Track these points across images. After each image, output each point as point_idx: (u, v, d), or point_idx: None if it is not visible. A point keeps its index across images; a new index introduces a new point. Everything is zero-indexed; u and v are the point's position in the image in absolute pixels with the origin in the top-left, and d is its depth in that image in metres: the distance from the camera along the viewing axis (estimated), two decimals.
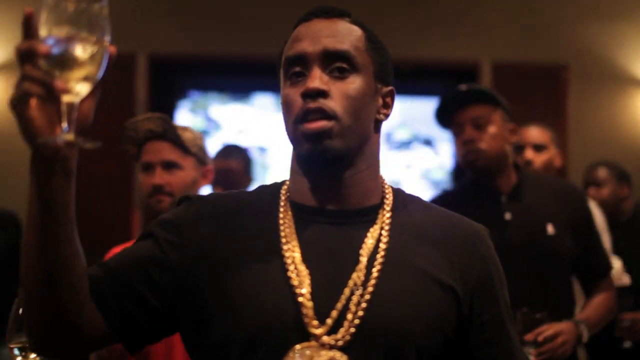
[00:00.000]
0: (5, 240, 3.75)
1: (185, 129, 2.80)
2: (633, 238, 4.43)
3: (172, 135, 2.73)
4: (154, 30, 6.00)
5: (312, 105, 1.51)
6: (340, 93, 1.53)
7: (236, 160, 4.18)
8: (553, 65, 6.25)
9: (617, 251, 4.01)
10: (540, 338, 2.70)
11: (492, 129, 3.00)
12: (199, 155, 2.78)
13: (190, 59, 6.15)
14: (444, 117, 3.13)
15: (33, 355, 1.89)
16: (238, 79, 6.52)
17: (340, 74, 1.54)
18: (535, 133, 4.32)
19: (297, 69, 1.55)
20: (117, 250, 2.68)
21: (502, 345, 1.59)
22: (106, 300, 1.50)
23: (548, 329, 2.74)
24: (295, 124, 1.53)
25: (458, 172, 5.97)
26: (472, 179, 3.13)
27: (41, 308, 1.43)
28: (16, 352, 1.89)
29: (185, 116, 6.46)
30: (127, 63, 5.84)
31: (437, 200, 3.36)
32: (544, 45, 6.27)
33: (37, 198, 1.36)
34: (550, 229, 2.99)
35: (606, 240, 3.89)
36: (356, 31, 1.59)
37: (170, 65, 6.19)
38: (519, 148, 4.20)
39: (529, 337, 2.69)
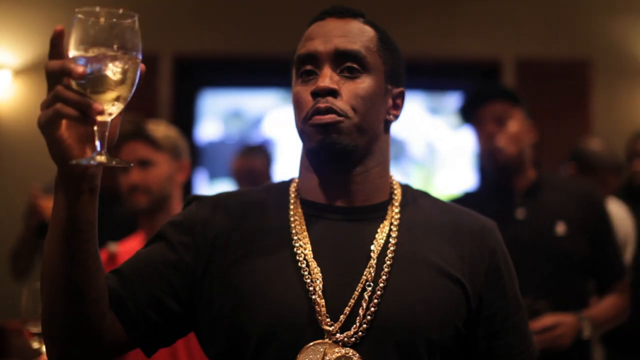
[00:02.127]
0: None
1: (158, 125, 2.85)
2: None
3: (143, 134, 2.79)
4: (177, 31, 6.01)
5: (322, 105, 1.53)
6: (349, 93, 1.55)
7: (259, 159, 4.21)
8: (577, 60, 6.20)
9: None
10: (536, 327, 2.73)
11: (512, 126, 3.04)
12: (173, 150, 2.82)
13: (212, 58, 6.16)
14: (466, 113, 3.17)
15: None
16: (259, 76, 6.50)
17: (350, 74, 1.56)
18: None
19: (308, 67, 1.57)
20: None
21: (509, 338, 1.61)
22: (126, 309, 1.52)
23: (547, 319, 2.79)
24: (305, 121, 1.55)
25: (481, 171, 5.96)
26: (490, 177, 3.16)
27: (64, 319, 1.44)
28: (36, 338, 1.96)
29: (209, 115, 6.48)
30: (150, 64, 5.81)
31: (458, 201, 3.41)
32: (568, 40, 6.24)
33: (63, 216, 1.36)
34: (560, 229, 3.00)
35: (630, 249, 3.90)
36: (369, 32, 1.61)
37: (194, 65, 6.20)
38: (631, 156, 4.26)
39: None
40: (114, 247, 2.76)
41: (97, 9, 1.24)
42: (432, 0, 6.28)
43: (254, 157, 4.20)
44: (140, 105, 5.01)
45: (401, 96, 1.65)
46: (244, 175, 4.10)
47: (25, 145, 5.49)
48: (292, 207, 1.60)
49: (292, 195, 1.63)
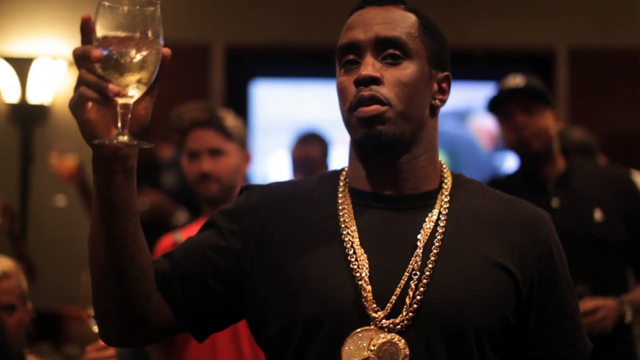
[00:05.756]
0: None
1: (227, 115, 2.87)
2: None
3: (217, 122, 2.81)
4: (229, 20, 6.05)
5: (366, 93, 1.52)
6: (393, 80, 1.54)
7: (315, 147, 4.23)
8: (631, 50, 6.14)
9: None
10: None
11: (539, 117, 3.06)
12: (241, 140, 2.86)
13: (264, 48, 6.19)
14: (493, 104, 3.20)
15: None
16: (311, 67, 6.51)
17: (393, 61, 1.55)
18: None
19: (351, 57, 1.57)
20: (166, 240, 2.76)
21: (561, 327, 1.59)
22: (173, 290, 1.55)
23: (587, 303, 2.77)
24: (350, 111, 1.55)
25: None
26: (519, 167, 3.20)
27: (109, 300, 1.49)
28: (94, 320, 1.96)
29: (259, 106, 6.51)
30: (202, 54, 5.90)
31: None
32: (623, 29, 6.16)
33: (100, 196, 1.41)
34: (598, 215, 3.02)
35: None
36: (409, 18, 1.60)
37: (245, 55, 6.23)
38: None
39: None
40: (178, 235, 2.79)
41: None
42: None
43: (310, 145, 4.22)
44: (192, 95, 5.08)
45: (447, 80, 1.64)
46: (300, 163, 4.13)
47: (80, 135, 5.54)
48: (340, 195, 1.61)
49: (342, 184, 1.64)
